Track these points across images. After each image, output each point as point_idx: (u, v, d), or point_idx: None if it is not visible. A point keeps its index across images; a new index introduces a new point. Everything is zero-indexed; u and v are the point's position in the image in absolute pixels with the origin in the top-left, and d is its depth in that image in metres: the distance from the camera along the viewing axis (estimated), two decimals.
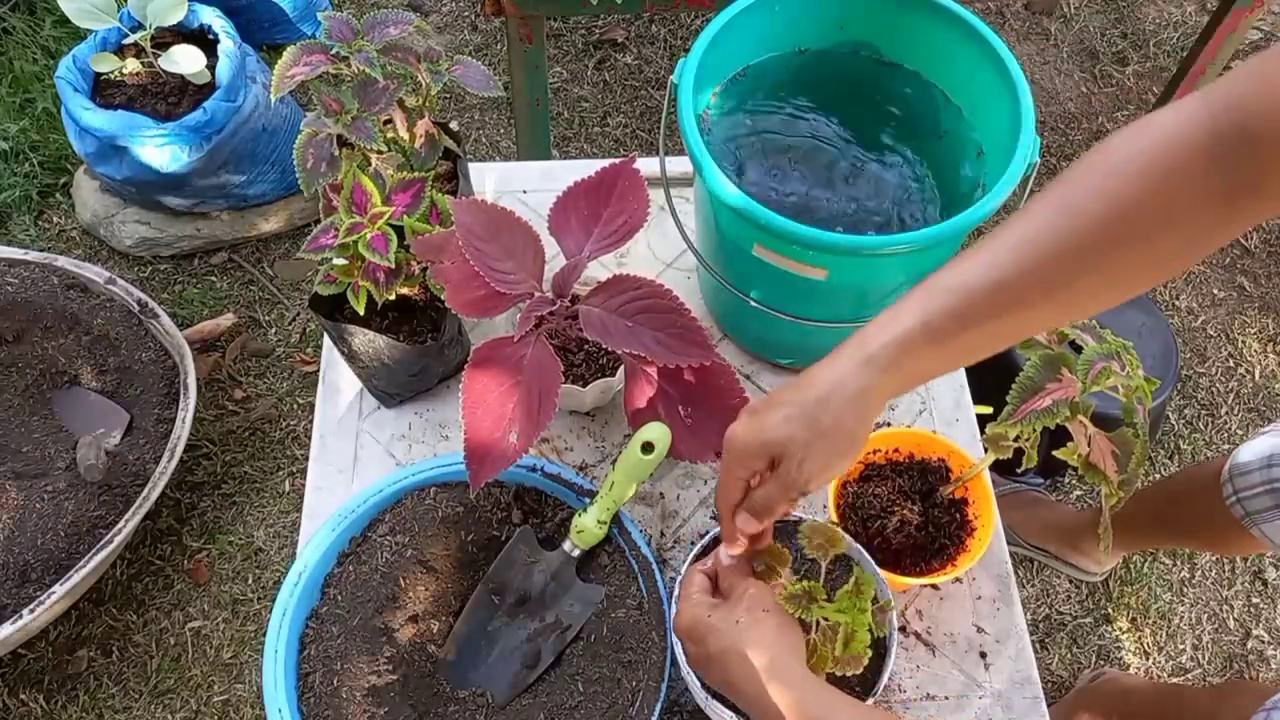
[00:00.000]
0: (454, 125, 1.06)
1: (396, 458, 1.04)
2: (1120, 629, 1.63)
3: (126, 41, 1.78)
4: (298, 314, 1.90)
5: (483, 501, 0.95)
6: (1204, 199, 0.59)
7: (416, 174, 0.95)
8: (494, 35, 2.34)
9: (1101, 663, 1.60)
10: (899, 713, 0.91)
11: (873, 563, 0.85)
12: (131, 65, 1.78)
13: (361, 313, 0.94)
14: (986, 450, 0.85)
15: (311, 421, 1.08)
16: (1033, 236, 0.62)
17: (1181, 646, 1.63)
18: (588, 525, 0.89)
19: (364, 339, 0.95)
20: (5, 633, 1.30)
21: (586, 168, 0.89)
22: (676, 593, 0.79)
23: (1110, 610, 1.65)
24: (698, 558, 0.86)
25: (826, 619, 0.74)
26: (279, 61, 0.90)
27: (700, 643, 0.72)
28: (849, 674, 0.73)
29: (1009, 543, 1.21)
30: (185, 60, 1.74)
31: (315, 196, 0.93)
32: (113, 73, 1.77)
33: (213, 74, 1.77)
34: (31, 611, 1.31)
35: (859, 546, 0.86)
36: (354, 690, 0.86)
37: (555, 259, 0.88)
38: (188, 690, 1.53)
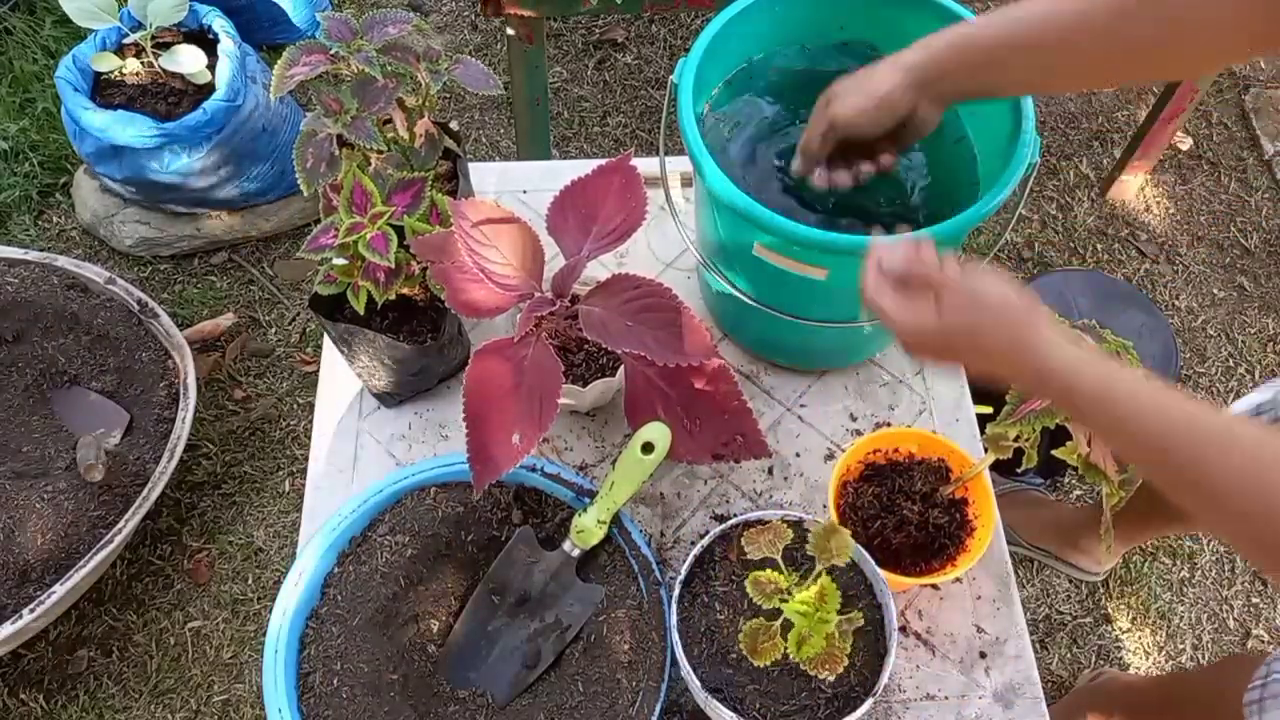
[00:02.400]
0: (454, 125, 1.06)
1: (396, 458, 1.04)
2: (1120, 629, 1.63)
3: (127, 41, 1.78)
4: (298, 314, 1.90)
5: (483, 501, 0.95)
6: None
7: (416, 174, 0.95)
8: (494, 35, 2.34)
9: (1101, 663, 1.60)
10: (899, 712, 0.91)
11: (873, 563, 0.85)
12: (132, 65, 1.78)
13: (361, 313, 0.94)
14: (986, 450, 0.85)
15: (311, 421, 1.08)
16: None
17: (1181, 646, 1.63)
18: (588, 525, 0.89)
19: (364, 339, 0.95)
20: (5, 633, 1.30)
21: (586, 167, 0.89)
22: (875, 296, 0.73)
23: (1110, 610, 1.65)
24: (698, 558, 0.86)
25: (782, 612, 0.74)
26: (279, 61, 0.90)
27: (948, 352, 0.72)
28: (825, 676, 0.74)
29: (1008, 542, 1.21)
30: (185, 60, 1.74)
31: (315, 196, 0.93)
32: (113, 73, 1.77)
33: (213, 74, 1.77)
34: (31, 611, 1.31)
35: (859, 547, 0.86)
36: (354, 690, 0.86)
37: (555, 259, 0.88)
38: (188, 690, 1.53)
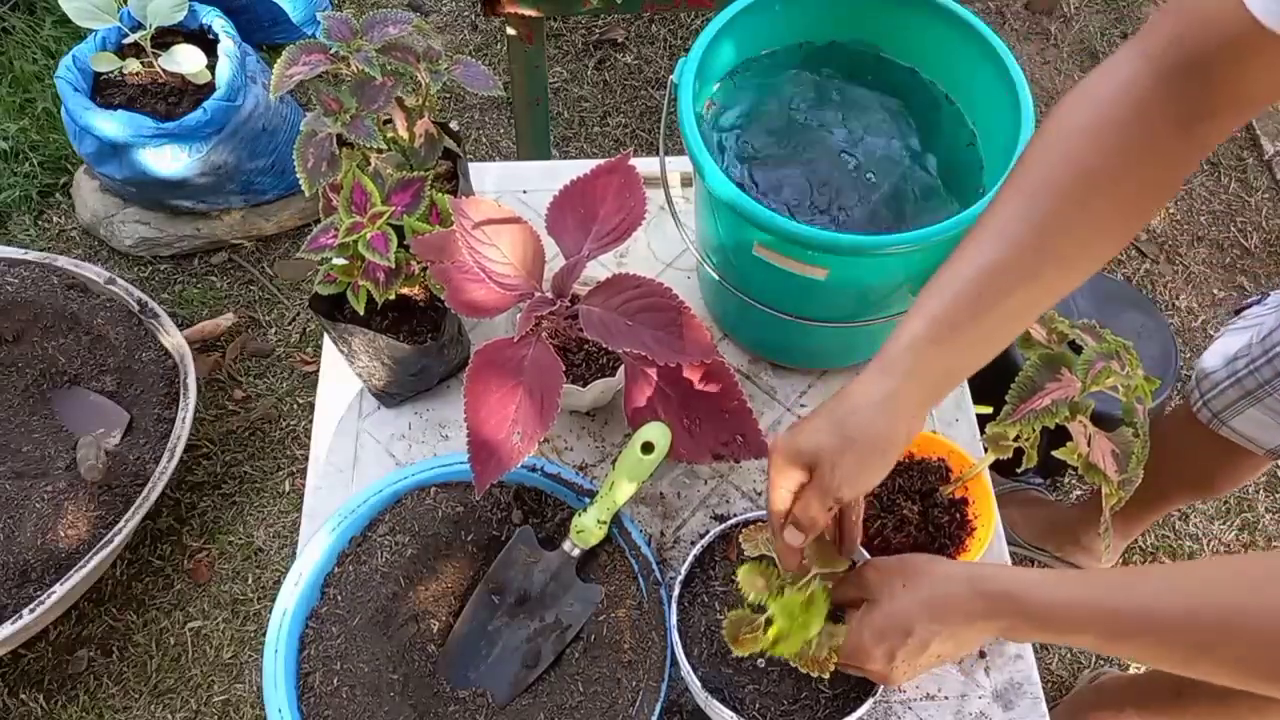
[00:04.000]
0: (454, 125, 1.06)
1: (396, 458, 1.04)
2: None
3: (126, 41, 1.78)
4: (298, 314, 1.90)
5: (483, 501, 0.95)
6: (1163, 138, 0.63)
7: (416, 174, 0.95)
8: (494, 35, 2.34)
9: (1101, 663, 1.60)
10: (899, 712, 0.91)
11: None
12: (132, 65, 1.78)
13: (361, 313, 0.94)
14: (986, 450, 0.85)
15: (311, 421, 1.08)
16: (1003, 225, 0.66)
17: None
18: (588, 525, 0.89)
19: (364, 339, 0.95)
20: (5, 633, 1.30)
21: (586, 167, 0.89)
22: None
23: None
24: (698, 558, 0.86)
25: (765, 608, 0.75)
26: (279, 61, 0.90)
27: (917, 642, 0.70)
28: (819, 675, 0.74)
29: (1008, 542, 1.21)
30: (185, 60, 1.74)
31: (315, 196, 0.93)
32: (113, 73, 1.77)
33: (213, 74, 1.77)
34: (31, 611, 1.31)
35: (859, 547, 0.85)
36: (354, 690, 0.86)
37: (555, 259, 0.88)
38: (188, 690, 1.53)
